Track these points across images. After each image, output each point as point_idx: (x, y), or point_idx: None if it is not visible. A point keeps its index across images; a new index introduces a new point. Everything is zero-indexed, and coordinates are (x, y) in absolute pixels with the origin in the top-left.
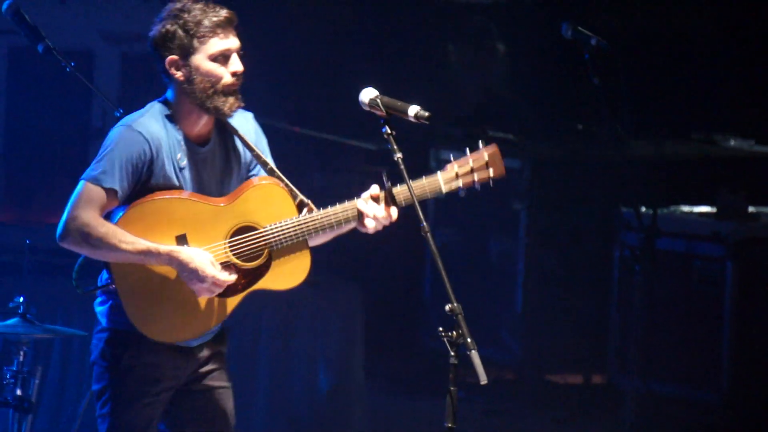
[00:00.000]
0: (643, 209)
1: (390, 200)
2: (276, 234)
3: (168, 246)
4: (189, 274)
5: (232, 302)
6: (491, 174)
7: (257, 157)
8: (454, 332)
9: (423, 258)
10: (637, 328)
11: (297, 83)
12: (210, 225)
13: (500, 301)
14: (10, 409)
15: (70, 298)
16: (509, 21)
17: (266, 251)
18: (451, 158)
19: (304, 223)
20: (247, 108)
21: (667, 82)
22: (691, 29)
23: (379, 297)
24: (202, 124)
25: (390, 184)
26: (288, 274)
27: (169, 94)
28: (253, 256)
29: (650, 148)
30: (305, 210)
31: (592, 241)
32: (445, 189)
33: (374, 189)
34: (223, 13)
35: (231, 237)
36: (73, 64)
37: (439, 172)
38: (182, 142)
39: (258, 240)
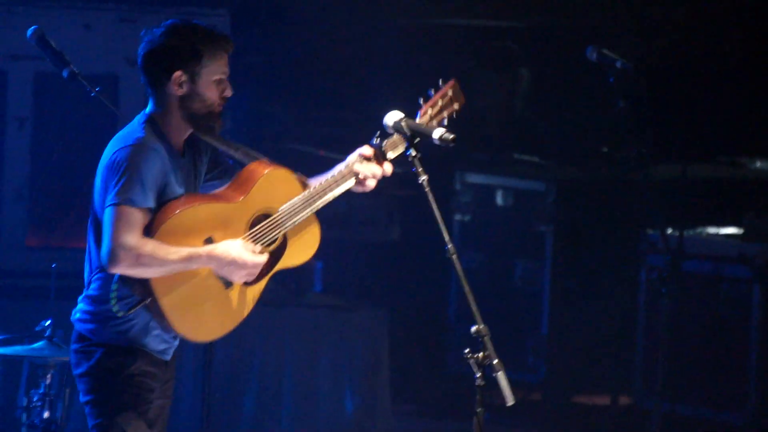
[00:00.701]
0: (669, 231)
1: (381, 157)
2: (289, 215)
3: (205, 247)
4: (228, 265)
5: (259, 287)
6: (456, 107)
7: (229, 146)
8: (480, 354)
9: (448, 280)
10: (663, 350)
11: (323, 107)
12: (231, 221)
13: (526, 323)
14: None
15: None
16: (534, 44)
17: (281, 233)
18: (420, 102)
19: (311, 198)
20: (273, 132)
21: (693, 105)
22: (715, 51)
23: (405, 319)
24: (183, 137)
25: (380, 141)
26: (302, 248)
27: (155, 106)
28: (272, 241)
29: (675, 170)
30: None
31: (617, 264)
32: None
33: (365, 149)
34: (226, 38)
35: (250, 228)
36: (98, 89)
37: (417, 118)
38: (174, 155)
39: (272, 224)
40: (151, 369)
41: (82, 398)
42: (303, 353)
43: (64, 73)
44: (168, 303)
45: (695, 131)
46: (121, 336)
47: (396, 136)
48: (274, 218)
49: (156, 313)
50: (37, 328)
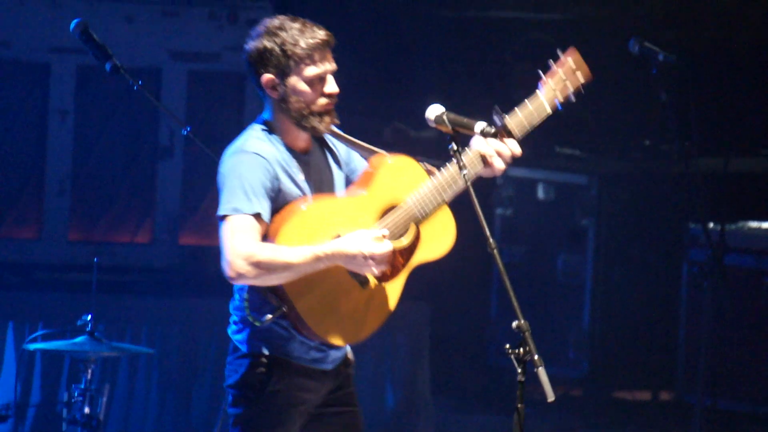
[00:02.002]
0: (711, 225)
1: (505, 134)
2: (417, 204)
3: (329, 244)
4: (354, 257)
5: (398, 284)
6: (581, 79)
7: (359, 146)
8: (521, 349)
9: (490, 275)
10: (706, 344)
11: (364, 98)
12: (358, 216)
13: (568, 318)
14: (78, 427)
15: (137, 316)
16: (576, 36)
17: (413, 225)
18: (541, 74)
19: (439, 186)
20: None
21: (736, 97)
22: (759, 43)
23: (446, 314)
24: (303, 138)
25: (503, 116)
26: (438, 239)
27: (267, 111)
28: (404, 233)
29: (718, 163)
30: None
31: (659, 257)
32: (549, 108)
33: (481, 125)
34: (320, 35)
35: (379, 220)
36: (140, 82)
37: (538, 91)
38: (291, 156)
39: (402, 216)
40: (302, 381)
41: (228, 410)
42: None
43: (107, 67)
44: (304, 307)
45: (738, 124)
46: (264, 345)
47: (519, 112)
48: (401, 208)
49: (295, 320)
50: (79, 323)
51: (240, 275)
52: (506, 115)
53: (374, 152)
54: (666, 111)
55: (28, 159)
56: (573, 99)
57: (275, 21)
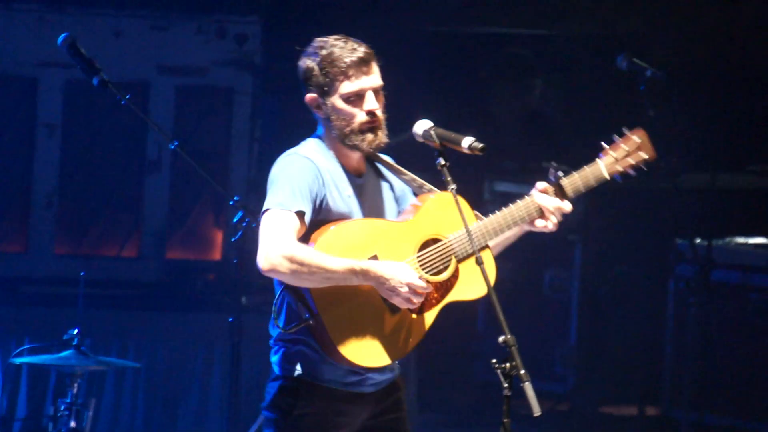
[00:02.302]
0: (698, 241)
1: (560, 193)
2: (460, 242)
3: (367, 261)
4: (389, 285)
5: (428, 319)
6: (644, 157)
7: (412, 181)
8: (508, 364)
9: None
10: (692, 360)
11: None
12: (398, 242)
13: (554, 333)
14: None
15: (124, 330)
16: (565, 52)
17: (453, 262)
18: (603, 145)
19: (484, 227)
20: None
21: (723, 114)
22: (746, 60)
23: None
24: (356, 158)
25: (560, 174)
26: (477, 282)
27: (319, 128)
28: (442, 269)
29: (705, 179)
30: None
31: (646, 273)
32: (608, 174)
33: (541, 184)
34: (358, 52)
35: (419, 252)
36: (128, 96)
37: (598, 159)
38: (343, 173)
39: (444, 250)
40: (336, 405)
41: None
42: None
43: (95, 81)
44: (330, 320)
45: (725, 140)
46: (294, 368)
47: (576, 177)
48: (443, 243)
49: (320, 334)
50: (65, 337)
51: (273, 267)
52: (562, 175)
53: (426, 190)
54: (653, 127)
55: (15, 172)
56: (633, 173)
57: (320, 40)
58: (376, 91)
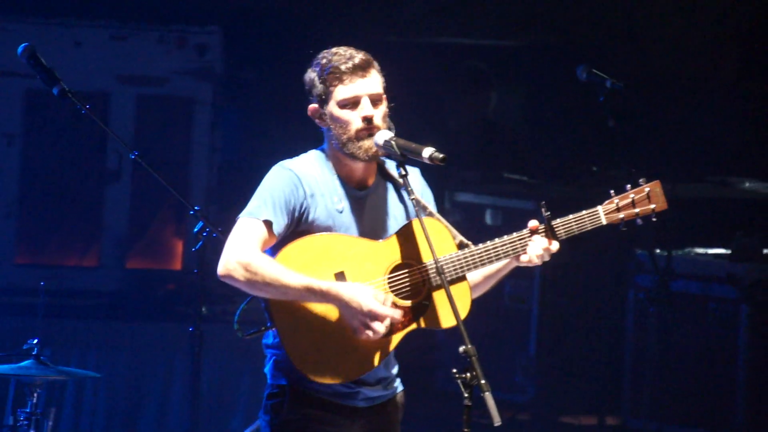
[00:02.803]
0: (658, 251)
1: (550, 233)
2: (435, 269)
3: (329, 282)
4: (352, 311)
5: (392, 342)
6: (653, 207)
7: (416, 202)
8: (468, 374)
9: None
10: (651, 370)
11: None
12: (368, 262)
13: (514, 343)
14: None
15: (84, 340)
16: (525, 63)
17: (426, 288)
18: (611, 193)
19: (463, 258)
20: (265, 149)
21: (682, 124)
22: (705, 72)
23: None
24: (358, 169)
25: (549, 215)
26: (448, 312)
27: (324, 140)
28: (413, 293)
29: (665, 189)
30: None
31: (606, 283)
32: (605, 221)
33: (533, 222)
34: (355, 59)
35: (390, 273)
36: (88, 106)
37: (599, 205)
38: (339, 186)
39: (417, 276)
40: (322, 414)
41: None
42: None
43: (55, 91)
44: (284, 330)
45: (684, 151)
46: (282, 375)
47: (571, 219)
48: (416, 268)
49: (276, 340)
50: (25, 347)
51: (228, 273)
52: (550, 215)
53: (426, 209)
54: (613, 137)
55: None
56: (640, 222)
57: (323, 52)
58: (373, 97)
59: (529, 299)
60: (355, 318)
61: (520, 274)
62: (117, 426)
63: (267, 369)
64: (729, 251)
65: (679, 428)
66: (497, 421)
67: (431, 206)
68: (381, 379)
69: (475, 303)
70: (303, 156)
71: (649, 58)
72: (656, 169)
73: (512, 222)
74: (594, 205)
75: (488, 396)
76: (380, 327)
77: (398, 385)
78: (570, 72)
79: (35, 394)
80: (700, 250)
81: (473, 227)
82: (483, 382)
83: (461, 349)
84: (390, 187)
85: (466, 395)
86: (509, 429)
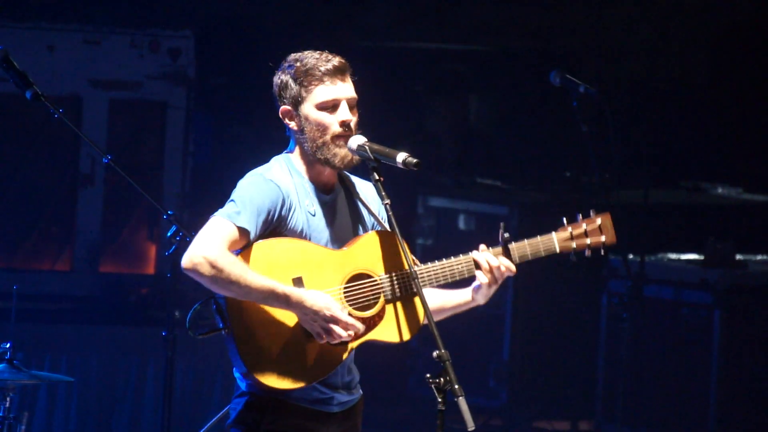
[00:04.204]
0: (631, 257)
1: (506, 254)
2: (390, 283)
3: (291, 287)
4: (312, 316)
5: (343, 353)
6: (603, 240)
7: (373, 215)
8: (442, 379)
9: None
10: (625, 375)
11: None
12: (326, 269)
13: (488, 348)
14: None
15: (57, 344)
16: (499, 68)
17: (381, 301)
18: (564, 221)
19: (421, 274)
20: (236, 154)
21: (655, 130)
22: (678, 78)
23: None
24: (326, 173)
25: (507, 236)
26: (401, 327)
27: (291, 144)
28: (367, 305)
29: (638, 195)
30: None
31: (579, 289)
32: (559, 248)
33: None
34: (333, 62)
35: (346, 283)
36: (61, 110)
37: (554, 231)
38: (310, 190)
39: (373, 288)
40: (301, 422)
41: None
42: None
43: (28, 94)
44: (239, 332)
45: (658, 157)
46: (257, 384)
47: (526, 244)
48: (373, 281)
49: (231, 344)
50: None
51: (194, 267)
52: (509, 237)
53: (376, 224)
54: (586, 143)
55: None
56: (588, 254)
57: (294, 55)
58: (350, 102)
59: (502, 305)
60: (316, 322)
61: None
62: (90, 430)
63: (239, 376)
64: (702, 257)
65: None
66: (471, 426)
67: (383, 220)
68: (347, 383)
69: None
70: (274, 164)
71: (622, 64)
72: (629, 174)
73: (485, 227)
74: (551, 223)
75: (462, 401)
76: (342, 332)
77: (359, 389)
78: (543, 77)
79: (8, 398)
80: (673, 256)
81: (446, 232)
82: (457, 387)
83: (435, 354)
84: (347, 192)
85: (439, 400)
86: None
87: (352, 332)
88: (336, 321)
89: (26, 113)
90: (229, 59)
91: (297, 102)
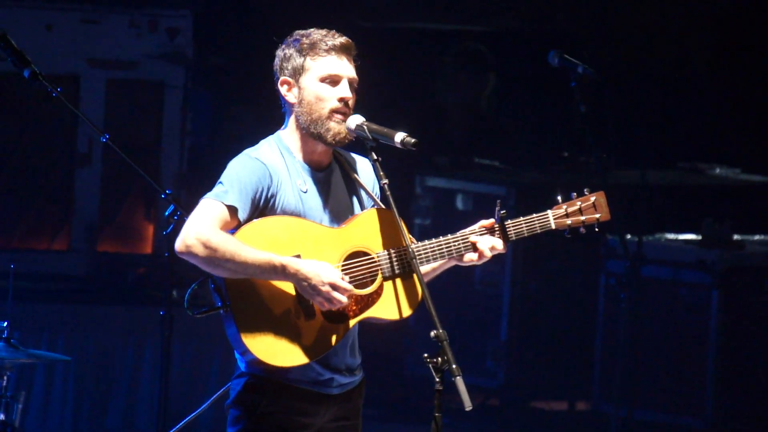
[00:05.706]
0: (628, 237)
1: (501, 232)
2: (388, 260)
3: (288, 258)
4: (310, 284)
5: (341, 330)
6: (598, 217)
7: (368, 193)
8: (439, 359)
9: None
10: (622, 355)
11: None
12: (324, 247)
13: (485, 328)
14: None
15: (54, 324)
16: (497, 49)
17: (379, 279)
18: (558, 199)
19: (418, 253)
20: (235, 133)
21: (653, 111)
22: (677, 58)
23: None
24: (319, 150)
25: (504, 213)
26: (400, 304)
27: (285, 120)
28: (366, 283)
29: (636, 175)
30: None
31: (577, 269)
32: (554, 225)
33: (483, 222)
34: (341, 39)
35: (344, 261)
36: (59, 89)
37: (549, 210)
38: (302, 169)
39: (371, 266)
40: (300, 404)
41: (228, 429)
42: None
43: (26, 73)
44: (239, 311)
45: (655, 137)
46: (257, 364)
47: (522, 222)
48: (370, 258)
49: (229, 323)
50: None
51: (188, 249)
52: (505, 214)
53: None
54: (584, 123)
55: None
56: (583, 231)
57: (300, 31)
58: (351, 82)
59: (500, 284)
60: (315, 290)
61: (491, 259)
62: (87, 409)
63: (241, 356)
64: (700, 237)
65: (650, 413)
66: (468, 405)
67: (378, 198)
68: (349, 365)
69: (447, 288)
70: (263, 144)
71: (622, 44)
72: (627, 154)
73: (483, 207)
74: (549, 203)
75: (459, 381)
76: (341, 297)
77: (361, 372)
78: (542, 57)
79: (5, 377)
80: (671, 236)
81: (444, 212)
82: (454, 366)
83: (432, 333)
84: (342, 170)
85: (437, 380)
86: (480, 414)
87: (350, 297)
88: (335, 287)
89: (24, 92)
90: (227, 39)
91: (298, 73)
